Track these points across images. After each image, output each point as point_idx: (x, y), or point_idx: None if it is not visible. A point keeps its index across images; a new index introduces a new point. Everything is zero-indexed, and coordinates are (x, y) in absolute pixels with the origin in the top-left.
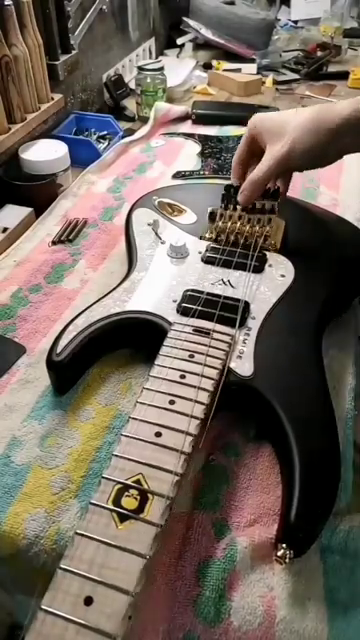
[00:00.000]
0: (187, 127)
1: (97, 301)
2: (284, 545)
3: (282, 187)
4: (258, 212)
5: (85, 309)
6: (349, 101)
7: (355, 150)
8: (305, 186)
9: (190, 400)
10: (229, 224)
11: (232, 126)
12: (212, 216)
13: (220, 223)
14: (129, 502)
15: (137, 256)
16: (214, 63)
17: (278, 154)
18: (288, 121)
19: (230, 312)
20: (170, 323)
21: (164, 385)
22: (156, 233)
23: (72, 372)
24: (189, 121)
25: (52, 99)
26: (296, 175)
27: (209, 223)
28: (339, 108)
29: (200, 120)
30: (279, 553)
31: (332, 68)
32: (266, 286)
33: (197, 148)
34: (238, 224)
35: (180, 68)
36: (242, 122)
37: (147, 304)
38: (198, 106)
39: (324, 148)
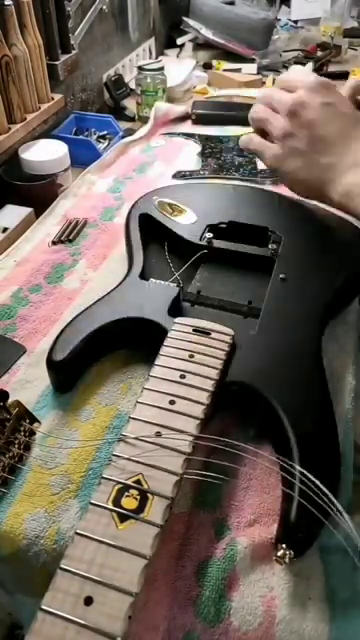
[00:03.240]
0: (187, 127)
1: (97, 301)
2: (284, 545)
3: None
4: None
5: (85, 309)
6: None
7: None
8: None
9: (190, 400)
10: None
11: (232, 126)
12: None
13: None
14: (129, 502)
15: (137, 256)
16: (214, 63)
17: None
18: None
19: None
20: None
21: (164, 385)
22: None
23: (72, 372)
24: (189, 121)
25: (52, 99)
26: None
27: None
28: None
29: (200, 120)
30: (279, 553)
31: (332, 68)
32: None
33: (197, 148)
34: None
35: (180, 68)
36: (242, 122)
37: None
38: (198, 106)
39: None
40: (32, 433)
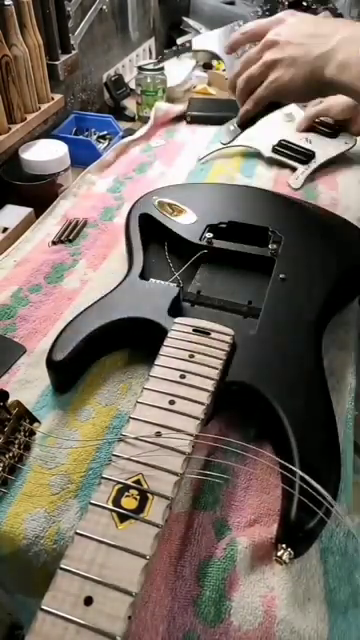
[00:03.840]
0: (186, 126)
1: (97, 301)
2: (284, 545)
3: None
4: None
5: (85, 309)
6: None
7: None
8: (305, 186)
9: (190, 400)
10: None
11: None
12: None
13: None
14: (129, 502)
15: (137, 256)
16: (214, 63)
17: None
18: None
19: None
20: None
21: (164, 385)
22: None
23: (72, 372)
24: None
25: (52, 99)
26: None
27: None
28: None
29: (195, 121)
30: (279, 553)
31: None
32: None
33: (197, 147)
34: None
35: (180, 68)
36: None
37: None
38: (193, 104)
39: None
40: (32, 433)
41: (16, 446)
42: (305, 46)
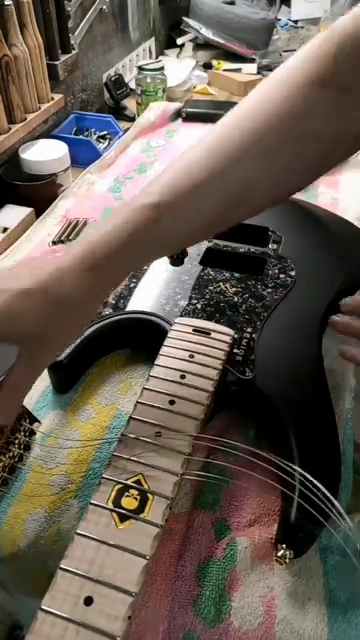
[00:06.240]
0: (186, 126)
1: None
2: (284, 545)
3: None
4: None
5: None
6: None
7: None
8: None
9: (190, 400)
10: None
11: None
12: None
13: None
14: (129, 502)
15: None
16: (214, 63)
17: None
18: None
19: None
20: (170, 323)
21: (164, 385)
22: None
23: (72, 372)
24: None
25: (52, 99)
26: None
27: None
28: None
29: (191, 118)
30: (279, 553)
31: None
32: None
33: None
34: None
35: (180, 68)
36: None
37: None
38: (190, 102)
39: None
40: (32, 433)
41: (16, 446)
42: None
